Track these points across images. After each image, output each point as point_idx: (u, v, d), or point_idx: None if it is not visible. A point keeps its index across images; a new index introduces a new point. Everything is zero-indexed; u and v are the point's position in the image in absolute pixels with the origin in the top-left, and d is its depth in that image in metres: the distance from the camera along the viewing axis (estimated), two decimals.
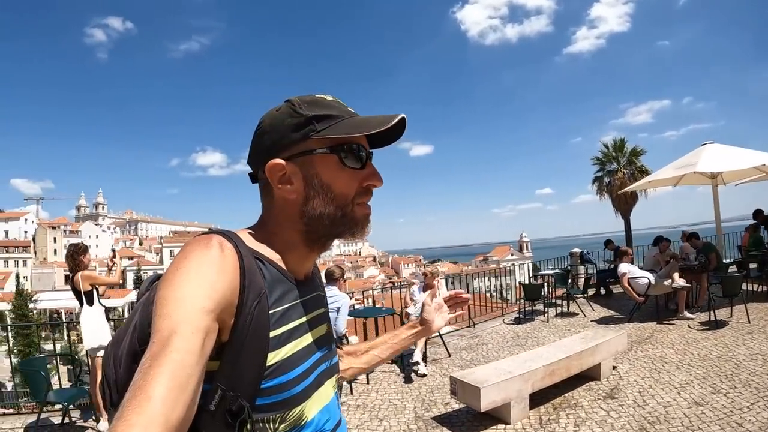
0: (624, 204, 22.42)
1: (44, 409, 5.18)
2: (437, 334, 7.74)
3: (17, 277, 64.76)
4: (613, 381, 5.56)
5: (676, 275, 8.23)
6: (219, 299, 0.78)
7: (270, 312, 0.86)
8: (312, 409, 0.94)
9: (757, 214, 10.85)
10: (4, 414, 6.06)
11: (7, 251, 76.70)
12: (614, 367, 5.93)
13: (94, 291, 5.26)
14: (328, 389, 1.02)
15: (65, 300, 43.26)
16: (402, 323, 5.72)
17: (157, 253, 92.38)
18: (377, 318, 7.67)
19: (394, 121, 0.91)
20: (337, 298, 5.84)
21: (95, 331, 5.13)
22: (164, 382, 0.65)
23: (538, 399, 5.03)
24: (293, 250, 0.98)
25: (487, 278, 15.75)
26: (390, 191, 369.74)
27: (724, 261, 10.44)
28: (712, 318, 7.65)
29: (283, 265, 0.96)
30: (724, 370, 5.54)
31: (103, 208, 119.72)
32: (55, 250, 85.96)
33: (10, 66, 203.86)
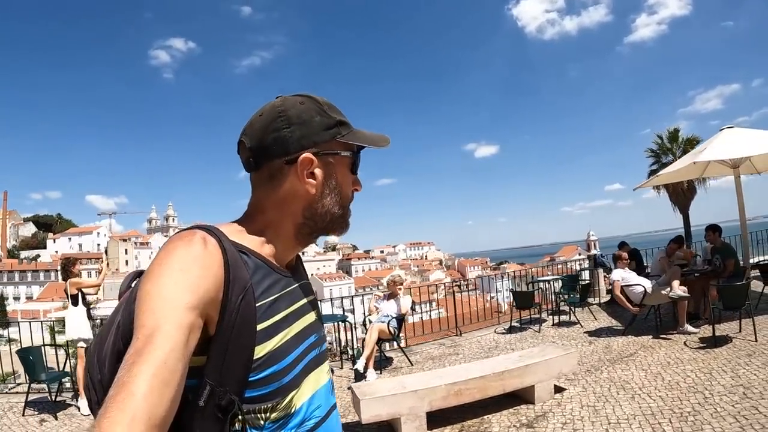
0: (682, 198, 20.95)
1: (42, 388, 6.75)
2: (395, 343, 7.31)
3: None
4: (547, 407, 4.81)
5: (675, 282, 7.09)
6: (203, 295, 0.78)
7: (257, 305, 0.86)
8: (302, 396, 0.93)
9: None
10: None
11: (80, 263, 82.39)
12: (562, 390, 5.18)
13: (79, 294, 6.46)
14: (318, 376, 1.01)
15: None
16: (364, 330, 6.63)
17: None
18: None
19: (389, 144, 1.04)
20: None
21: (76, 327, 6.37)
22: (148, 378, 0.65)
23: (446, 417, 4.65)
24: (283, 242, 0.99)
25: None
26: (457, 192, 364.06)
27: (751, 261, 9.00)
28: (712, 334, 6.50)
29: (269, 257, 0.95)
30: (686, 405, 4.49)
31: (173, 220, 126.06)
32: (127, 261, 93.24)
33: (86, 95, 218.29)
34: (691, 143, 20.83)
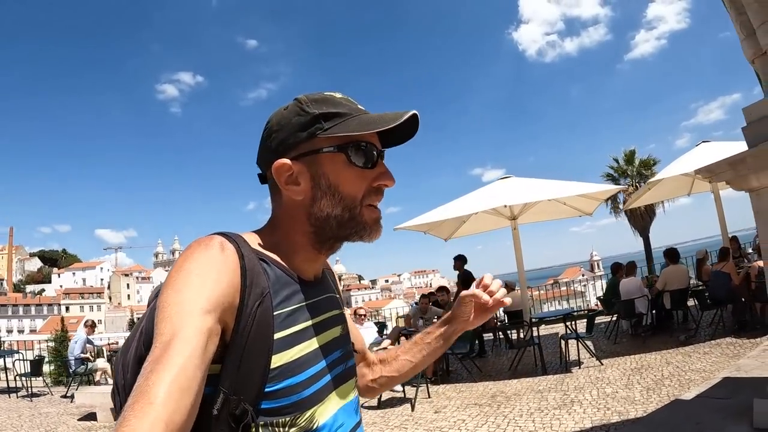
0: (640, 221, 20.86)
1: None
2: None
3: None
4: None
5: None
6: (219, 300, 0.76)
7: (274, 313, 0.84)
8: (324, 413, 0.90)
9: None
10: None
11: (82, 297, 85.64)
12: None
13: None
14: (343, 392, 0.98)
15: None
16: None
17: None
18: None
19: (404, 118, 0.88)
20: None
21: None
22: (166, 385, 0.65)
23: None
24: (301, 252, 0.96)
25: (557, 302, 15.22)
26: None
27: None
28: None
29: (290, 267, 0.93)
30: None
31: (180, 253, 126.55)
32: (129, 296, 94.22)
33: (95, 130, 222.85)
34: (647, 165, 20.95)
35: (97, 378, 9.75)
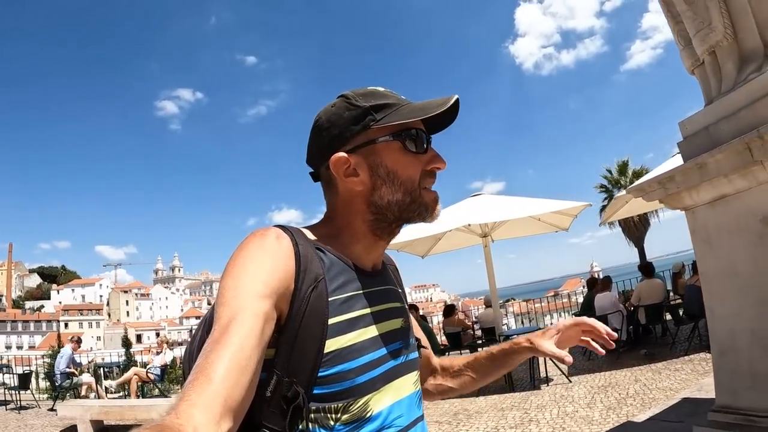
0: (634, 231, 20.85)
1: None
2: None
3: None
4: None
5: None
6: (275, 285, 0.79)
7: (329, 299, 0.86)
8: (380, 402, 0.89)
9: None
10: None
11: (81, 314, 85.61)
12: None
13: None
14: (403, 384, 0.97)
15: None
16: None
17: None
18: None
19: (452, 102, 0.93)
20: None
21: None
22: (224, 363, 0.67)
23: None
24: (361, 240, 0.98)
25: (558, 314, 15.11)
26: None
27: None
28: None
29: (349, 255, 0.95)
30: None
31: (179, 270, 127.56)
32: (128, 312, 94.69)
33: (94, 146, 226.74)
34: (640, 175, 20.76)
35: (83, 392, 9.85)
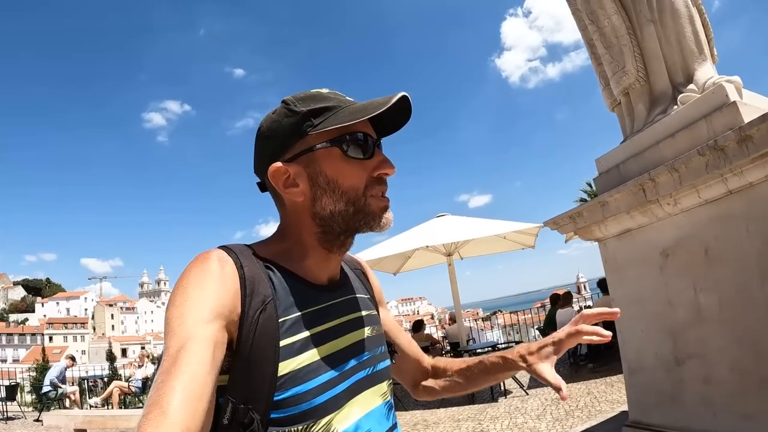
0: None
1: None
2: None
3: None
4: None
5: None
6: (220, 309, 0.77)
7: (279, 320, 0.84)
8: (346, 419, 0.87)
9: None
10: None
11: (66, 327, 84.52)
12: None
13: None
14: (371, 397, 0.95)
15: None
16: None
17: None
18: None
19: (394, 101, 0.86)
20: None
21: None
22: (178, 394, 0.66)
23: None
24: (312, 255, 0.95)
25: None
26: None
27: None
28: None
29: (300, 272, 0.93)
30: None
31: (165, 284, 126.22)
32: (113, 326, 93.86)
33: (81, 158, 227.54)
34: None
35: (68, 404, 10.33)
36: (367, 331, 0.99)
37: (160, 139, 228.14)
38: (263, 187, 0.99)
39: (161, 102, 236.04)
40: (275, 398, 0.79)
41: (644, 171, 3.14)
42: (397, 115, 0.92)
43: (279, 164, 0.90)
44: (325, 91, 0.94)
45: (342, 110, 0.89)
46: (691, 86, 3.30)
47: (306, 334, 0.86)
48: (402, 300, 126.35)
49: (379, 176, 0.93)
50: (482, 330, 18.43)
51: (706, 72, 3.33)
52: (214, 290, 0.78)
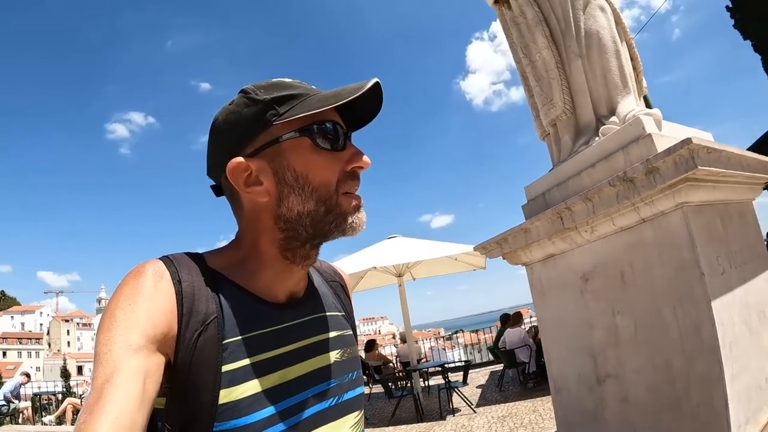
0: None
1: None
2: None
3: None
4: None
5: None
6: (151, 332, 0.69)
7: (223, 342, 0.74)
8: None
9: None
10: None
11: (20, 342, 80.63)
12: None
13: None
14: (335, 430, 0.84)
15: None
16: None
17: None
18: None
19: (369, 86, 0.77)
20: None
21: None
22: None
23: None
24: (269, 267, 0.83)
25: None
26: None
27: None
28: None
29: (254, 287, 0.82)
30: None
31: None
32: (69, 342, 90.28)
33: (39, 166, 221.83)
34: None
35: (20, 420, 10.35)
36: (333, 355, 0.88)
37: (122, 151, 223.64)
38: (219, 190, 0.88)
39: (125, 113, 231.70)
40: (215, 429, 0.71)
41: (566, 199, 3.27)
42: (368, 103, 0.83)
43: (239, 159, 0.79)
44: (288, 80, 0.84)
45: (310, 97, 0.80)
46: (613, 118, 3.45)
47: (254, 359, 0.76)
48: (364, 319, 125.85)
49: (352, 170, 0.83)
50: (444, 349, 18.54)
51: (628, 105, 3.49)
52: (145, 310, 0.70)
